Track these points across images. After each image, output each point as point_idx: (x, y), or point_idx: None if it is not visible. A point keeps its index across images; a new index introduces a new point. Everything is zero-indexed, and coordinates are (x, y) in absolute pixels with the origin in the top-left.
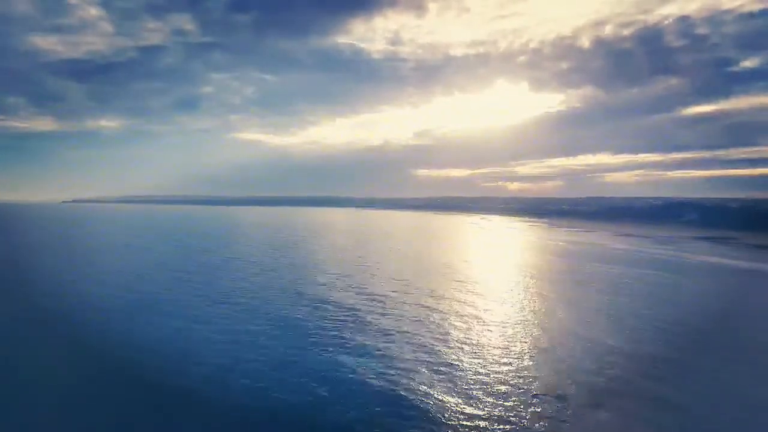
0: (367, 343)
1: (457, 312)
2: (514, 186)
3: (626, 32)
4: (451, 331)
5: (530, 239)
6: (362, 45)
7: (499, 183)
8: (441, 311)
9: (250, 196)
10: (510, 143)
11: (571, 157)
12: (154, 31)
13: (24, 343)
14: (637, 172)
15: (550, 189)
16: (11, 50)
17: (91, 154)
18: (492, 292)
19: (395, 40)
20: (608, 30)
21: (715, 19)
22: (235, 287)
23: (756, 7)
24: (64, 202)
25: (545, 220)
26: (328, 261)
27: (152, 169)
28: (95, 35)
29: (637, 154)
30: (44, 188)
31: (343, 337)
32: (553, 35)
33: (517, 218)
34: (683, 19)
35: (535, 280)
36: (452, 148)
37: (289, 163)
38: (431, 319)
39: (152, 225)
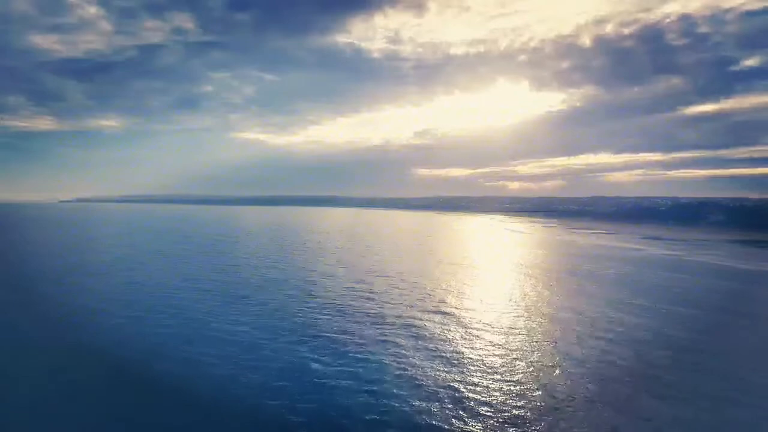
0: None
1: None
2: (515, 185)
3: (627, 31)
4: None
5: (561, 243)
6: (362, 44)
7: (500, 182)
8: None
9: (251, 195)
10: (511, 142)
11: (572, 157)
12: (153, 30)
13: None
14: (638, 171)
15: (551, 188)
16: (11, 49)
17: (91, 153)
18: (597, 321)
19: (395, 39)
20: (609, 28)
21: (716, 17)
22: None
23: (757, 5)
24: (62, 201)
25: (556, 220)
26: (373, 271)
27: (152, 169)
28: (95, 34)
29: (638, 153)
30: (44, 188)
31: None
32: (554, 34)
33: (524, 218)
34: (685, 18)
35: (615, 294)
36: (453, 147)
37: (289, 162)
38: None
39: (155, 226)
